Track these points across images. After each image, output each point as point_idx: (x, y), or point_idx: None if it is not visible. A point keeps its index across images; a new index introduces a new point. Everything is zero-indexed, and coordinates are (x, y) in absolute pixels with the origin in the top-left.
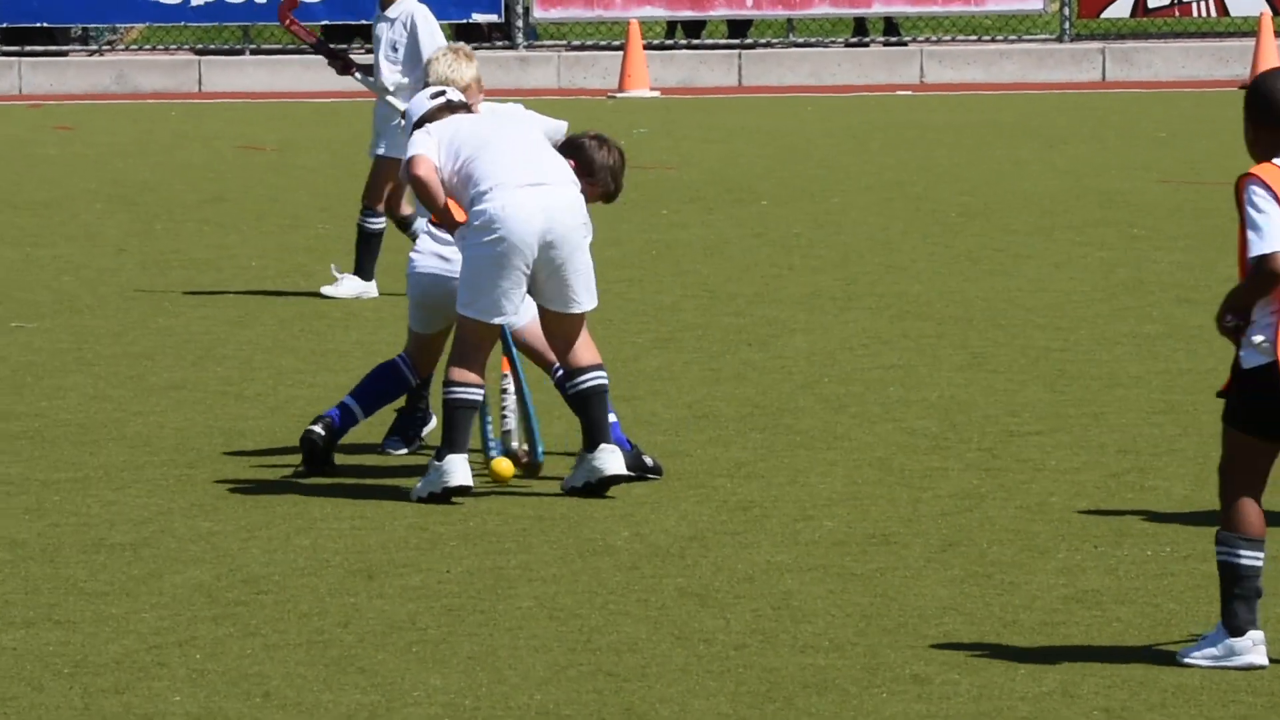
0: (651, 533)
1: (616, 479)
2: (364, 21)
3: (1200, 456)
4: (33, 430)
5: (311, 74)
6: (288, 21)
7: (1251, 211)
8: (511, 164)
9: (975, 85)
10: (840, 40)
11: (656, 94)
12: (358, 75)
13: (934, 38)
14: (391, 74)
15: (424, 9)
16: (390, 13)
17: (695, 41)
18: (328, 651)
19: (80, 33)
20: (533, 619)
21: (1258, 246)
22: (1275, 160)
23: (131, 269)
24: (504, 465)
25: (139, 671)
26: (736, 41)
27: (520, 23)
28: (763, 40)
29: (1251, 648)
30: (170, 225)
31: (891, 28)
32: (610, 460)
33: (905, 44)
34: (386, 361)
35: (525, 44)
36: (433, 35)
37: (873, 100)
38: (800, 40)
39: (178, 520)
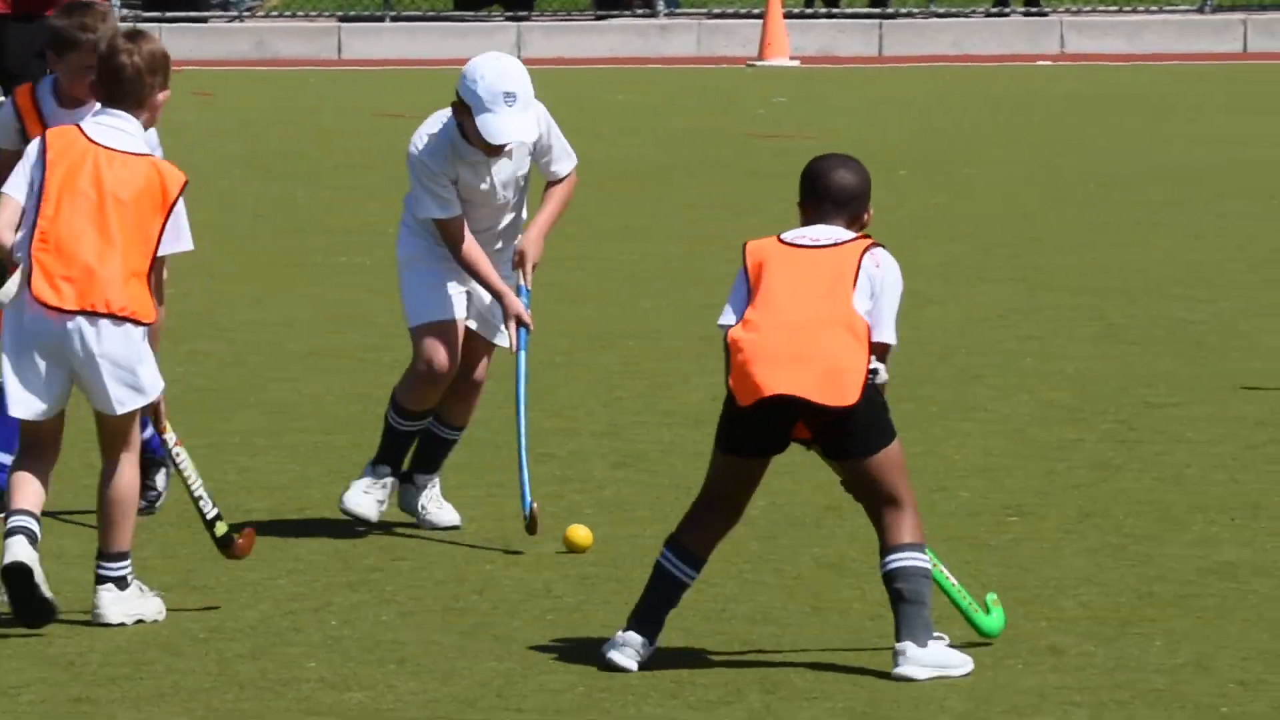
0: (788, 503)
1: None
2: None
3: None
4: (169, 396)
5: (451, 41)
6: None
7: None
8: None
9: (1116, 56)
10: (981, 10)
11: (796, 63)
12: None
13: (1074, 8)
14: None
15: None
16: None
17: (835, 10)
18: (463, 619)
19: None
20: None
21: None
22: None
23: (268, 235)
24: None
25: (274, 637)
26: (877, 11)
27: None
28: (904, 10)
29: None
30: (308, 192)
31: None
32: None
33: (1046, 14)
34: None
35: (666, 12)
36: None
37: (1013, 70)
38: (941, 10)
39: (314, 487)
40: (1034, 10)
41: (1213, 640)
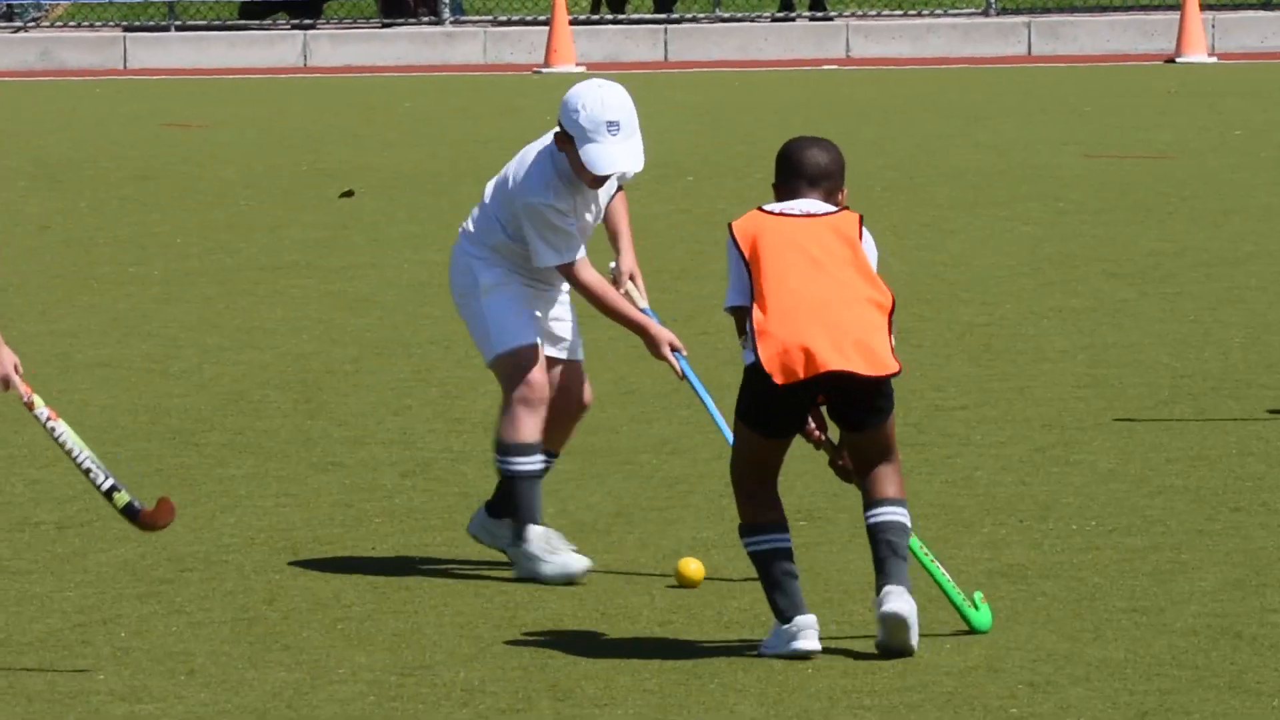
0: (577, 509)
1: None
2: None
3: (1125, 430)
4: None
5: (237, 50)
6: None
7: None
8: None
9: (901, 60)
10: (767, 15)
11: (582, 69)
12: None
13: (860, 12)
14: None
15: None
16: None
17: (621, 16)
18: (253, 629)
19: (5, 9)
20: (458, 596)
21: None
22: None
23: (55, 247)
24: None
25: (64, 650)
26: (663, 16)
27: None
28: (689, 15)
29: (799, 633)
30: (94, 203)
31: (818, 2)
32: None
33: (831, 19)
34: None
35: (451, 19)
36: None
37: (799, 75)
38: (726, 15)
39: (98, 501)
40: (819, 15)
41: (1002, 642)
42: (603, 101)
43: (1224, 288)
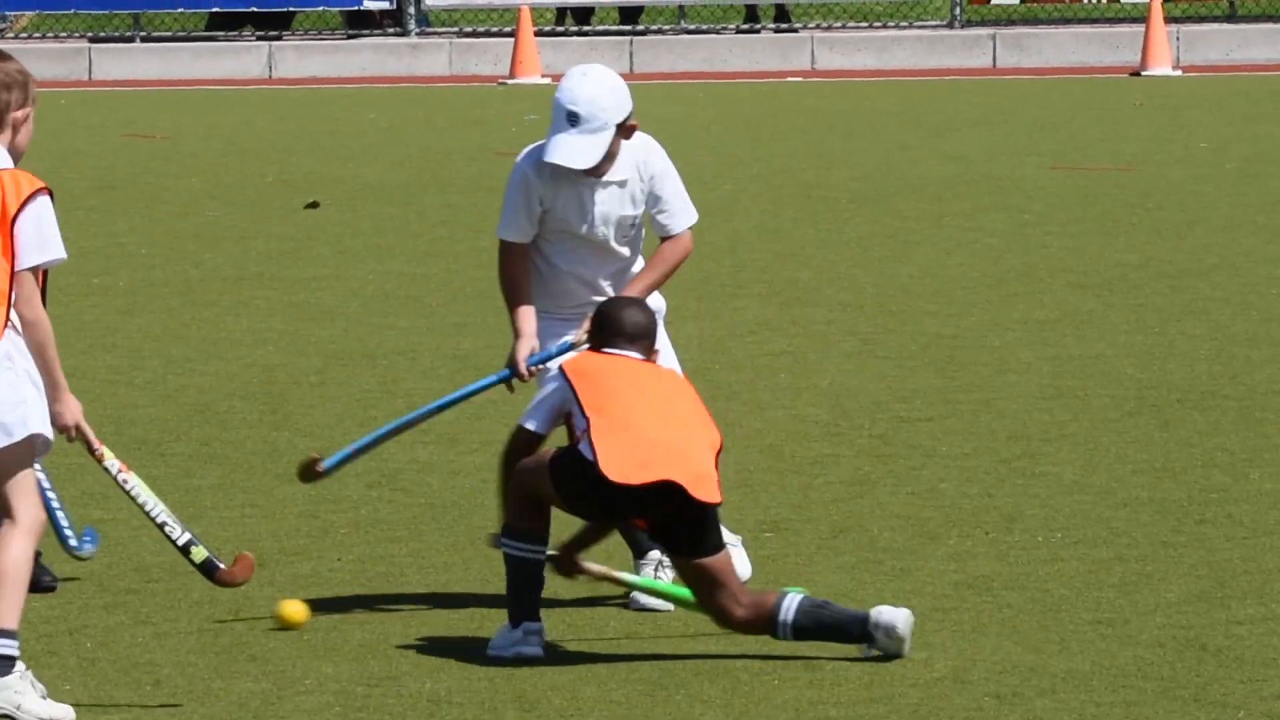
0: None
1: None
2: None
3: (1090, 442)
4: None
5: (203, 62)
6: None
7: None
8: None
9: (866, 72)
10: (732, 27)
11: (548, 80)
12: None
13: (825, 24)
14: None
15: None
16: None
17: (587, 28)
18: (218, 640)
19: None
20: (424, 607)
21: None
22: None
23: None
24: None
25: (29, 660)
26: (628, 28)
27: (412, 9)
28: (654, 26)
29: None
30: (58, 213)
31: (783, 14)
32: None
33: (796, 30)
34: None
35: (417, 31)
36: None
37: (764, 87)
38: (692, 27)
39: (68, 509)
40: (785, 27)
41: (968, 654)
42: (572, 92)
43: (1188, 299)
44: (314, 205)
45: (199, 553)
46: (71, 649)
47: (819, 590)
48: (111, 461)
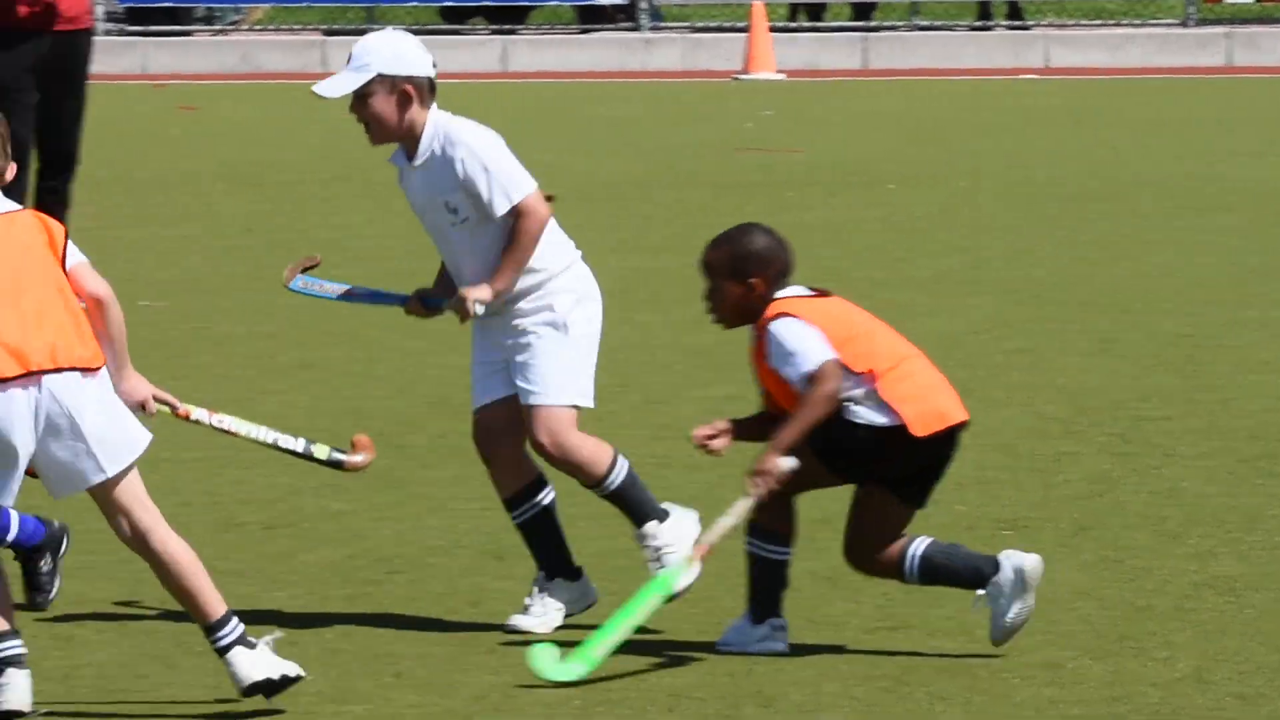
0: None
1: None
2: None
3: None
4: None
5: (435, 54)
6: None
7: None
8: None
9: (1099, 70)
10: (965, 24)
11: (781, 76)
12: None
13: (1058, 22)
14: None
15: None
16: None
17: (820, 24)
18: (459, 632)
19: (205, 13)
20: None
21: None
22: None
23: (257, 248)
24: None
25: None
26: (861, 24)
27: (645, 4)
28: (887, 23)
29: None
30: (295, 205)
31: (1015, 11)
32: None
33: (1029, 28)
34: None
35: (650, 26)
36: None
37: (997, 84)
38: (924, 23)
39: (308, 500)
40: (1017, 24)
41: (1210, 654)
42: (362, 40)
43: None
44: (549, 199)
45: (321, 449)
46: (314, 639)
47: (1060, 589)
48: (200, 412)
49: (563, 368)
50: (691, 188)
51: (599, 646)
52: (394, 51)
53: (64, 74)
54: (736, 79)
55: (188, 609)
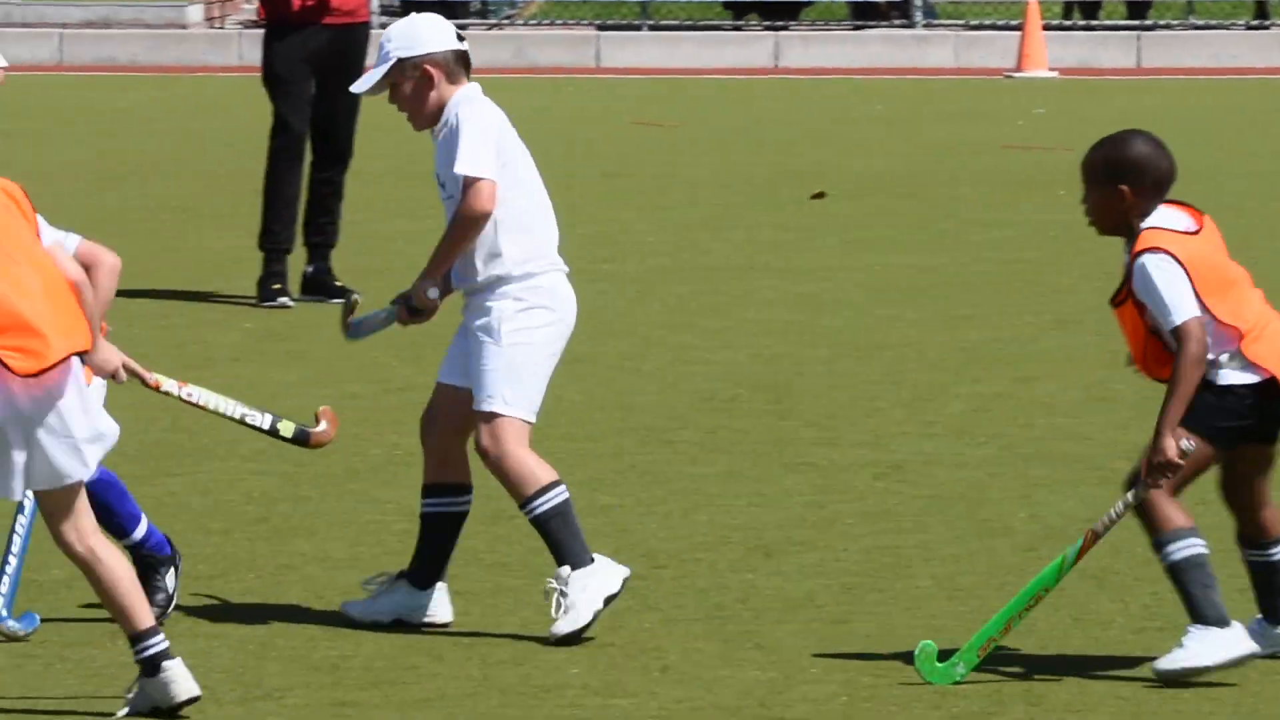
0: (1049, 515)
1: None
2: None
3: None
4: None
5: (709, 50)
6: None
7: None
8: (549, 219)
9: None
10: (1241, 22)
11: (1054, 74)
12: None
13: None
14: None
15: None
16: None
17: (1094, 22)
18: (725, 627)
19: (479, 6)
20: (930, 599)
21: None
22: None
23: None
24: None
25: (537, 643)
26: (1136, 23)
27: (919, 1)
28: (1161, 21)
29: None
30: (566, 200)
31: None
32: None
33: None
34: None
35: (923, 23)
36: None
37: (1273, 84)
38: (1200, 22)
39: (576, 493)
40: None
41: None
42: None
43: None
44: (820, 195)
45: (287, 426)
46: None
47: None
48: (170, 383)
49: (502, 376)
50: (962, 185)
51: (981, 649)
52: (410, 34)
53: (340, 67)
54: (1009, 76)
55: (118, 617)
